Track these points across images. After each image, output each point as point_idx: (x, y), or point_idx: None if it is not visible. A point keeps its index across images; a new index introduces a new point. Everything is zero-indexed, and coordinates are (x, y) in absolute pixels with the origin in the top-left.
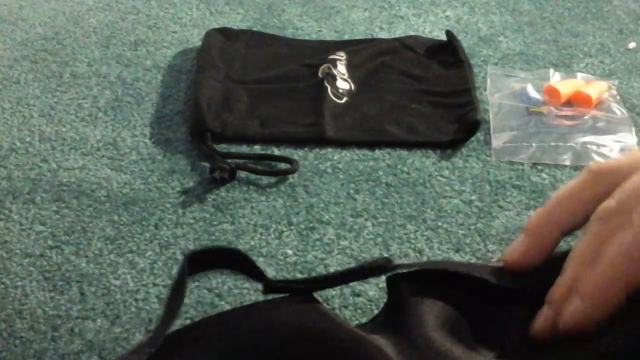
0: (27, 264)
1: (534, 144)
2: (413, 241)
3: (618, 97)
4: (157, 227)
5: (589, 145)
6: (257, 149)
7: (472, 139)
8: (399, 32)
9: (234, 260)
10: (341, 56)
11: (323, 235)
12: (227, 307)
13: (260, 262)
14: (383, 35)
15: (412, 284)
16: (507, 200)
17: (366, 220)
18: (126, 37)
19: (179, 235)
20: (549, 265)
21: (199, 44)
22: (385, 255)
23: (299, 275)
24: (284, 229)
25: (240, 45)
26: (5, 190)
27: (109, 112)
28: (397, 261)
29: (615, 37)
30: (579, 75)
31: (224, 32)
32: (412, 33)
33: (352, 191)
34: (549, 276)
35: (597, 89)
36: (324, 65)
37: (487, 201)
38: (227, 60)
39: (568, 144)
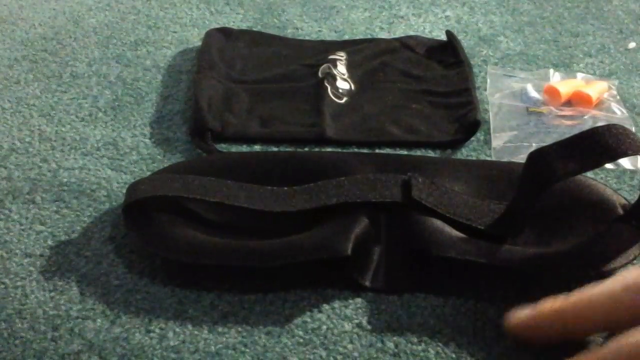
0: (27, 264)
1: (534, 144)
2: None
3: (618, 97)
4: None
5: None
6: (257, 149)
7: (472, 139)
8: (399, 32)
9: None
10: (341, 56)
11: None
12: None
13: None
14: (383, 35)
15: None
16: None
17: None
18: (126, 37)
19: None
20: None
21: (199, 44)
22: None
23: None
24: None
25: (240, 45)
26: (5, 190)
27: (109, 112)
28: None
29: (615, 37)
30: (579, 75)
31: (224, 32)
32: (412, 33)
33: None
34: None
35: (597, 89)
36: (324, 65)
37: None
38: (227, 60)
39: None
